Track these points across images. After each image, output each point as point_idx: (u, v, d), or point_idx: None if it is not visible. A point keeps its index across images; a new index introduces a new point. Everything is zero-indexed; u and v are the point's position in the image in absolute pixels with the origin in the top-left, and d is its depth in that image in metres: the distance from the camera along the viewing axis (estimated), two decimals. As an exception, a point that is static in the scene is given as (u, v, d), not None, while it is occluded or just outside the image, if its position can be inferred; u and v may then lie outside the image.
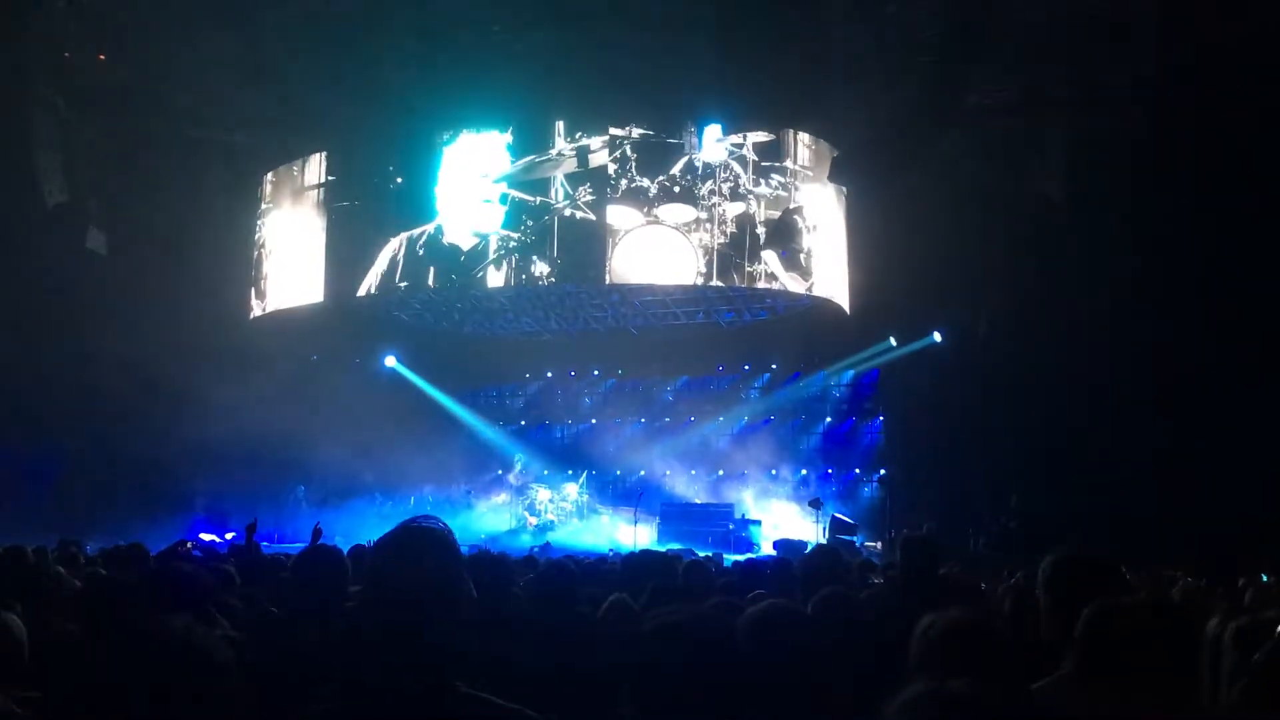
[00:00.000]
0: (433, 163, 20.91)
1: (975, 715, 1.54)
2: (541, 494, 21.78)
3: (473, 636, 2.21)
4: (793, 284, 19.75)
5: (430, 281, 20.81)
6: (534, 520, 21.27)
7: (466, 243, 20.49)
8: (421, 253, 20.67)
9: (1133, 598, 2.67)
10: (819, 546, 11.74)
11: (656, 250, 19.46)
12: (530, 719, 2.17)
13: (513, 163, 20.23)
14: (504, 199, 20.26)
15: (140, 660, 1.89)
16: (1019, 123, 18.73)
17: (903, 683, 1.67)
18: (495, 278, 20.44)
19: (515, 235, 20.11)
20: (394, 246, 20.92)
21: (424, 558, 2.17)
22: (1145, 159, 16.68)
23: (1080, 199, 17.78)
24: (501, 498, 22.75)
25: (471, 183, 20.46)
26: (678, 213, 19.45)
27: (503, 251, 20.20)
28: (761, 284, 19.72)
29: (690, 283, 19.89)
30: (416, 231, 20.75)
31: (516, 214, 20.14)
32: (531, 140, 20.22)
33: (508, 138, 20.31)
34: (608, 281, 19.86)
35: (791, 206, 19.68)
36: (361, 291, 21.29)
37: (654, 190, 19.37)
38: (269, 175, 22.76)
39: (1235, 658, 2.85)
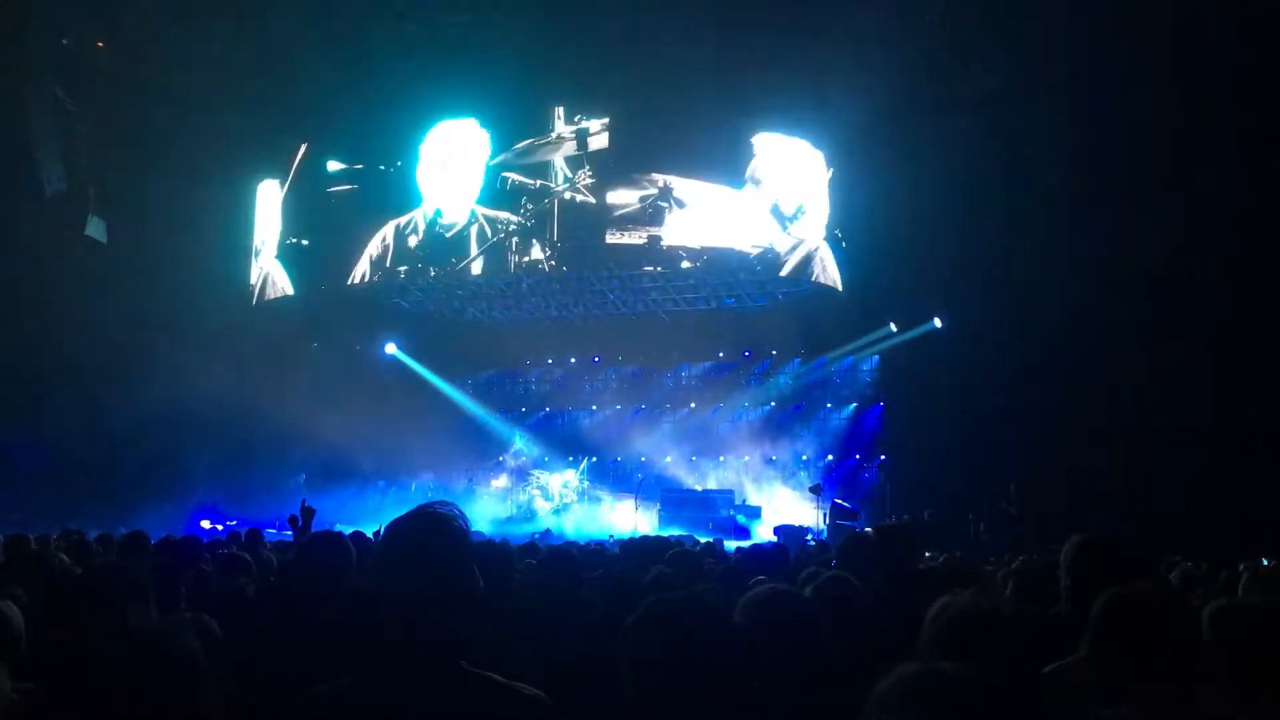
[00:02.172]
0: (431, 148, 20.93)
1: (966, 696, 1.54)
2: (554, 479, 21.91)
3: (479, 620, 2.24)
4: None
5: (427, 267, 20.87)
6: (548, 504, 21.39)
7: (467, 227, 20.53)
8: (416, 239, 20.71)
9: (1145, 587, 2.64)
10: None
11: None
12: (532, 695, 2.21)
13: (509, 147, 20.24)
14: (503, 182, 20.27)
15: (103, 655, 1.92)
16: (1020, 108, 18.67)
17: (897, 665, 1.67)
18: (496, 263, 20.47)
19: (516, 219, 20.10)
20: (391, 230, 20.97)
21: (434, 543, 2.21)
22: (1148, 143, 16.65)
23: (1082, 183, 17.75)
24: (501, 481, 22.81)
25: (471, 167, 20.48)
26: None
27: (503, 236, 20.21)
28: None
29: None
30: (404, 219, 20.79)
31: (517, 197, 20.14)
32: (531, 124, 20.21)
33: (507, 120, 20.33)
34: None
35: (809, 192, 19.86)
36: (356, 279, 21.35)
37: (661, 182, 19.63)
38: (268, 162, 22.74)
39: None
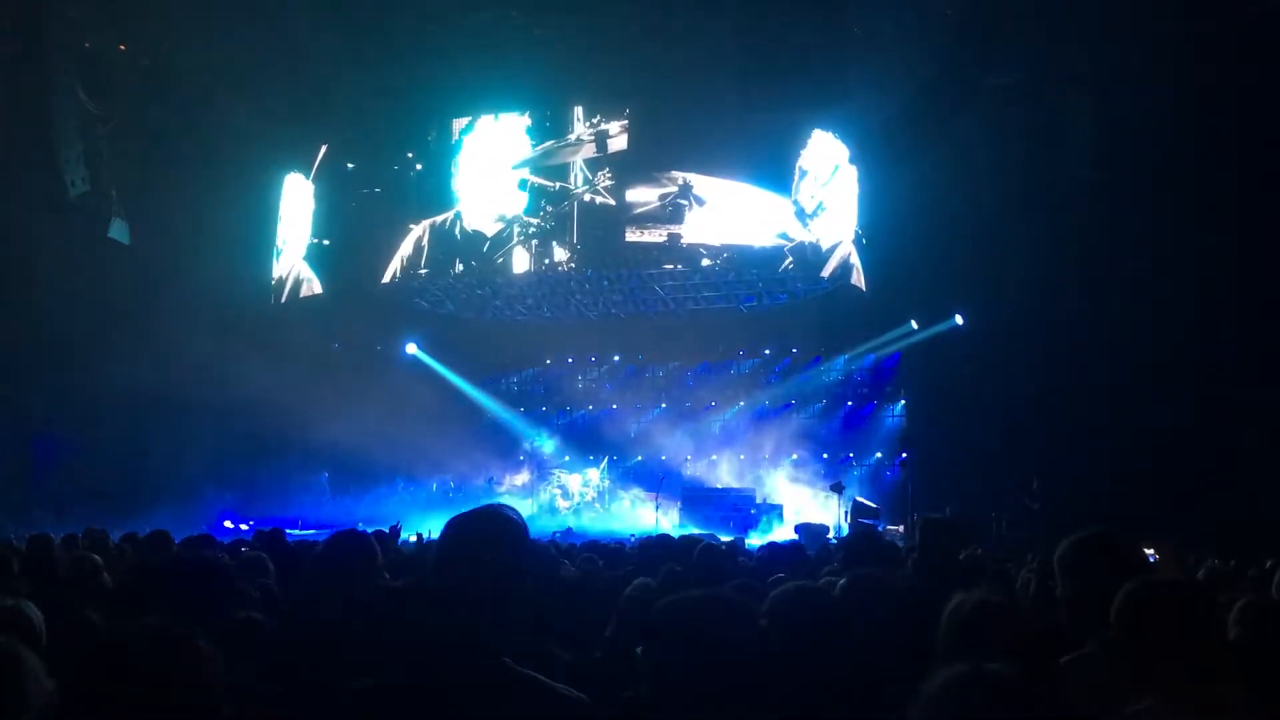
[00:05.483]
0: (452, 149, 21.00)
1: (1014, 697, 1.53)
2: (574, 478, 21.94)
3: (525, 621, 2.23)
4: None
5: (454, 268, 20.98)
6: (568, 503, 21.43)
7: (488, 229, 20.60)
8: (444, 239, 20.83)
9: (1168, 580, 2.61)
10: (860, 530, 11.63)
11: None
12: (573, 698, 2.18)
13: (533, 147, 20.29)
14: (523, 184, 20.34)
15: (112, 661, 1.94)
16: (1042, 100, 18.56)
17: (926, 664, 1.65)
18: (516, 264, 20.53)
19: (535, 221, 20.16)
20: (418, 232, 21.06)
21: (496, 546, 2.20)
22: (1172, 134, 16.51)
23: (1105, 177, 17.62)
24: (521, 477, 22.84)
25: (492, 168, 20.55)
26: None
27: (523, 237, 20.27)
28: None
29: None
30: (439, 218, 20.88)
31: (536, 199, 20.21)
32: (550, 125, 20.26)
33: (527, 121, 20.37)
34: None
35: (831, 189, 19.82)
36: (387, 277, 21.47)
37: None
38: (290, 164, 22.87)
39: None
